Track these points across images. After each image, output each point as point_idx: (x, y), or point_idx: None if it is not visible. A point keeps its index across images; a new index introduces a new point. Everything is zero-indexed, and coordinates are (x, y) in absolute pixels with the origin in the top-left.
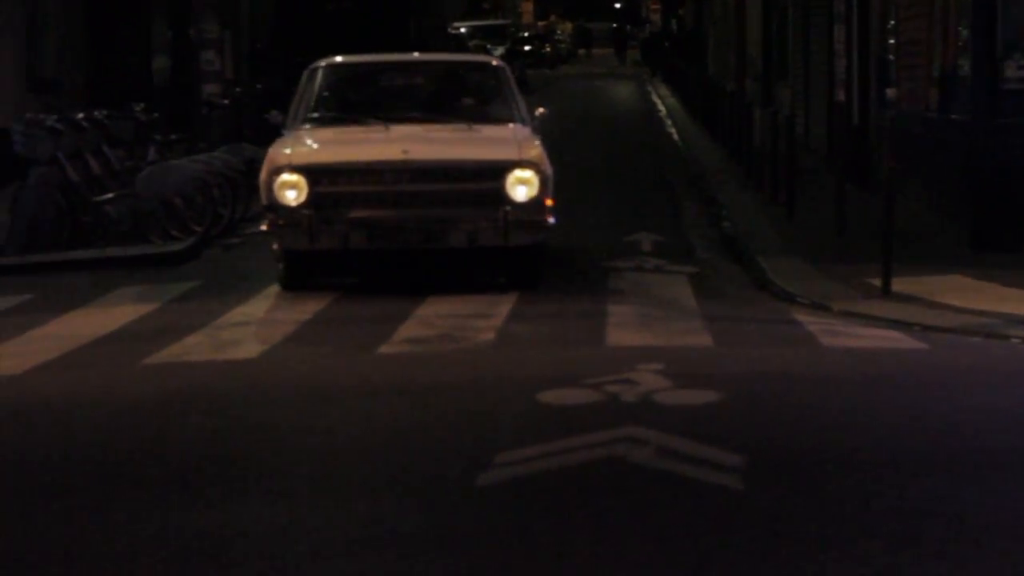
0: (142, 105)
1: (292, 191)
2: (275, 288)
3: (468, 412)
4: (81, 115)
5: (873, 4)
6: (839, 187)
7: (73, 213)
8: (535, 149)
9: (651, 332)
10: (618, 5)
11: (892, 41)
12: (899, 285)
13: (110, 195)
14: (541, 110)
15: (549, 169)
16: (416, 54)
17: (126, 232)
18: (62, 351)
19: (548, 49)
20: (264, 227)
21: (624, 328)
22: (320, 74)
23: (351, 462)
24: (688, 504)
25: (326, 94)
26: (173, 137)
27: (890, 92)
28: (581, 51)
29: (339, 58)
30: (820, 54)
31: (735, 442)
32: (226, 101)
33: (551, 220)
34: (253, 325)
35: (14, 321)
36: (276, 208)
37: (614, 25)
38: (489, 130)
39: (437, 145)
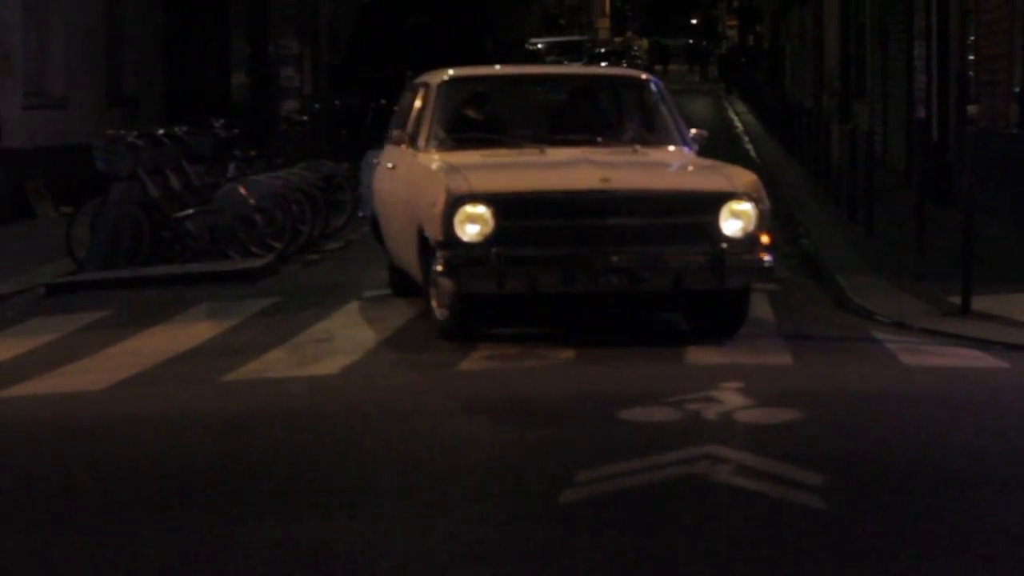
0: (222, 121)
1: (475, 225)
2: (354, 304)
3: (549, 429)
4: (161, 131)
5: (953, 20)
6: (919, 204)
7: (153, 229)
8: (748, 177)
9: (731, 350)
10: (694, 21)
11: (972, 57)
12: (979, 303)
13: (190, 211)
14: (696, 131)
15: (767, 201)
16: (554, 67)
17: (205, 248)
18: (142, 367)
19: (624, 65)
20: (439, 268)
21: (704, 346)
22: (444, 89)
23: (433, 478)
24: (769, 523)
25: (458, 111)
26: (252, 153)
27: (971, 109)
28: (657, 67)
29: (467, 70)
30: (898, 70)
31: (816, 461)
32: (305, 117)
33: (768, 259)
34: (333, 341)
35: (95, 337)
36: (453, 245)
37: (689, 41)
38: (660, 154)
39: (637, 172)
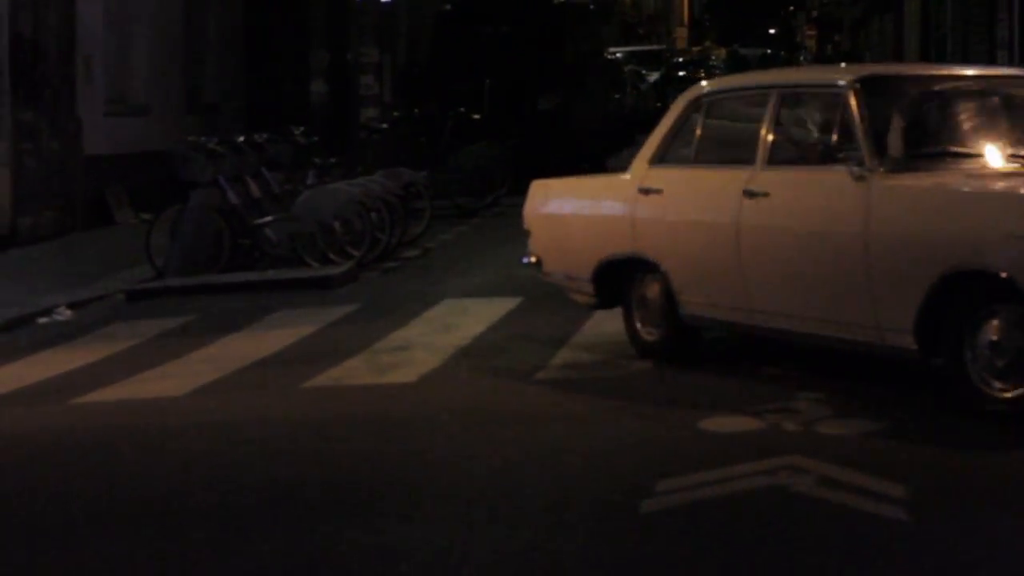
0: (301, 129)
1: None
2: (433, 312)
3: (628, 438)
4: (241, 138)
5: None
6: None
7: (233, 236)
8: None
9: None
10: (772, 31)
11: None
12: None
13: (269, 218)
14: None
15: None
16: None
17: (284, 255)
18: (222, 373)
19: (702, 75)
20: None
21: (779, 356)
22: (865, 94)
23: (512, 487)
24: (852, 534)
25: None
26: (332, 161)
27: None
28: None
29: (884, 69)
30: None
31: (899, 472)
32: (384, 125)
33: None
34: (412, 349)
35: (174, 343)
36: None
37: (767, 51)
38: None
39: None
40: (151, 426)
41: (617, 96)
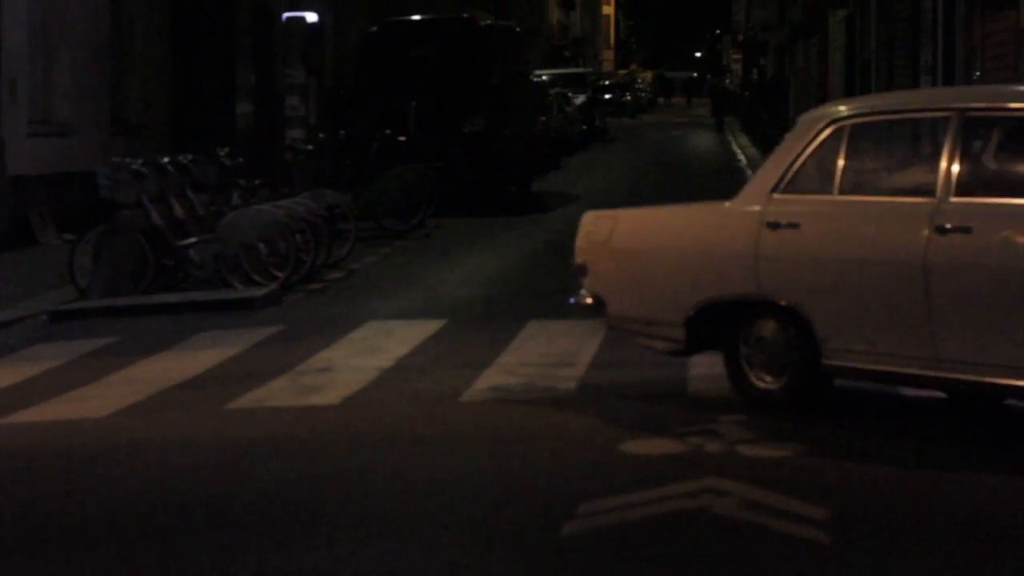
0: (226, 150)
1: None
2: (357, 334)
3: (551, 461)
4: (166, 159)
5: (959, 56)
6: None
7: (156, 257)
8: None
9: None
10: (698, 54)
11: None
12: None
13: (193, 239)
14: None
15: None
16: None
17: (208, 276)
18: (145, 394)
19: (629, 97)
20: None
21: (707, 379)
22: None
23: (435, 509)
24: (774, 557)
25: None
26: (256, 182)
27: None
28: (660, 100)
29: None
30: None
31: (820, 495)
32: (310, 147)
33: None
34: (335, 371)
35: (97, 364)
36: None
37: (693, 75)
38: None
39: None
40: (73, 447)
41: (543, 119)
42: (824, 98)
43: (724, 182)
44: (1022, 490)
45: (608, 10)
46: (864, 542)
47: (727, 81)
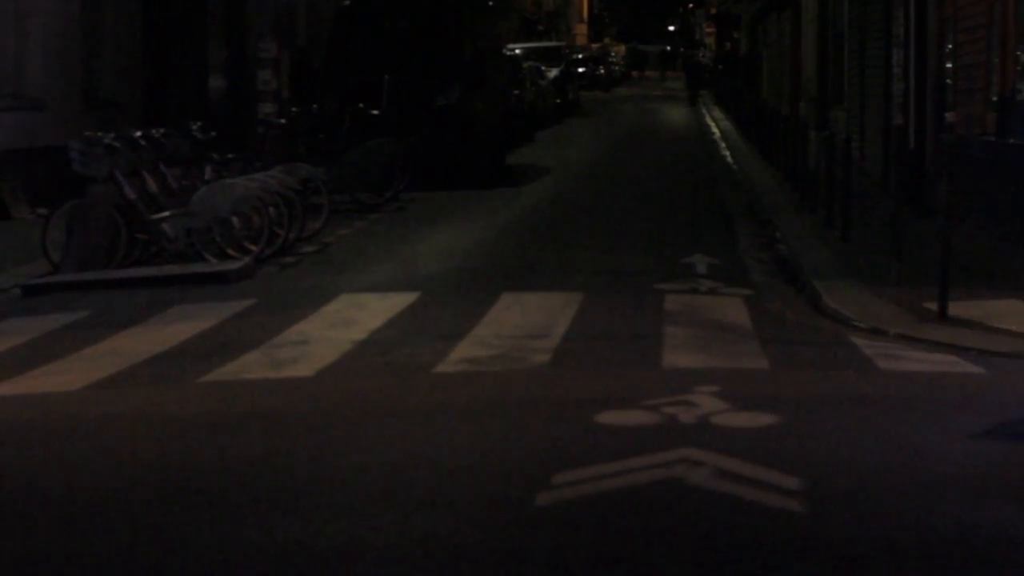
0: (199, 124)
1: None
2: (331, 307)
3: (526, 433)
4: (138, 133)
5: (931, 28)
6: (896, 210)
7: (129, 231)
8: None
9: (707, 354)
10: (672, 28)
11: (950, 65)
12: (956, 309)
13: (166, 213)
14: None
15: None
16: None
17: (181, 250)
18: (118, 368)
19: (602, 71)
20: None
21: (680, 350)
22: None
23: (409, 481)
24: (748, 526)
25: None
26: (229, 156)
27: (948, 116)
28: (634, 73)
29: None
30: (876, 77)
31: (794, 465)
32: (282, 121)
33: None
34: (309, 344)
35: (70, 338)
36: None
37: (667, 48)
38: None
39: None
40: (46, 421)
41: (516, 92)
42: (797, 71)
43: (697, 156)
44: (1001, 455)
45: None
46: (837, 512)
47: (701, 55)
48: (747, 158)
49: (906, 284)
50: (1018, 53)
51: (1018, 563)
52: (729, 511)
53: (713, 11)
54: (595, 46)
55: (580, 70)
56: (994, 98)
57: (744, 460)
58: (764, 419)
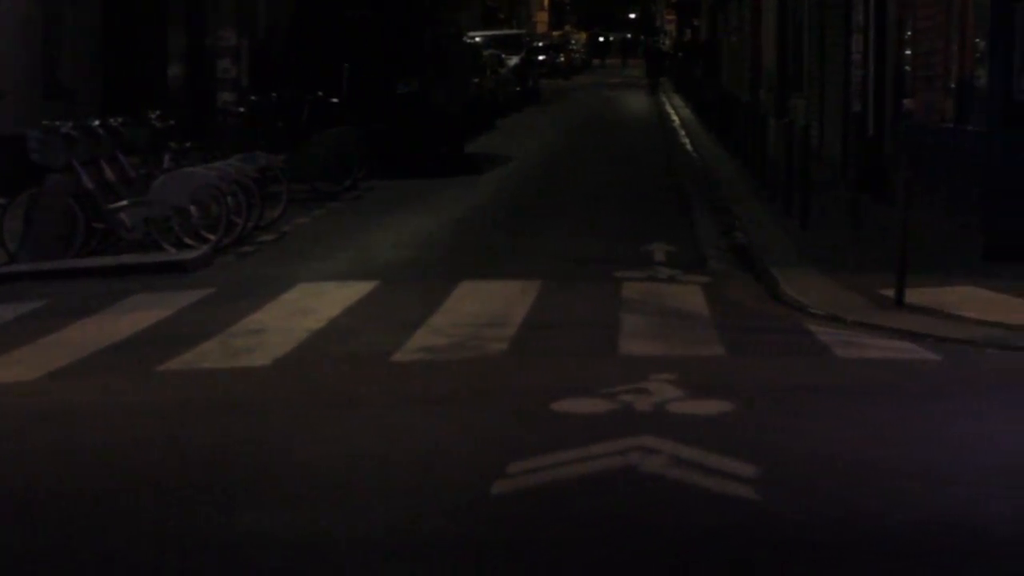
0: (158, 113)
1: None
2: (289, 295)
3: (482, 421)
4: (96, 122)
5: (891, 15)
6: (854, 198)
7: (87, 220)
8: None
9: (664, 342)
10: (632, 16)
11: (909, 52)
12: (913, 296)
13: (124, 202)
14: None
15: None
16: None
17: (140, 240)
18: (75, 357)
19: (563, 59)
20: None
21: (637, 338)
22: None
23: (366, 470)
24: (702, 514)
25: None
26: (188, 145)
27: (907, 103)
28: (595, 61)
29: None
30: (836, 65)
31: (749, 452)
32: (241, 109)
33: None
34: (266, 333)
35: (27, 327)
36: None
37: (628, 36)
38: None
39: None
40: (3, 410)
41: (477, 80)
42: (757, 59)
43: (657, 143)
44: (955, 442)
45: None
46: (791, 499)
47: (661, 42)
48: (707, 146)
49: (864, 271)
50: (977, 40)
51: (969, 548)
52: (684, 499)
53: None
54: (556, 34)
55: (540, 58)
56: (952, 85)
57: (699, 448)
58: (720, 407)
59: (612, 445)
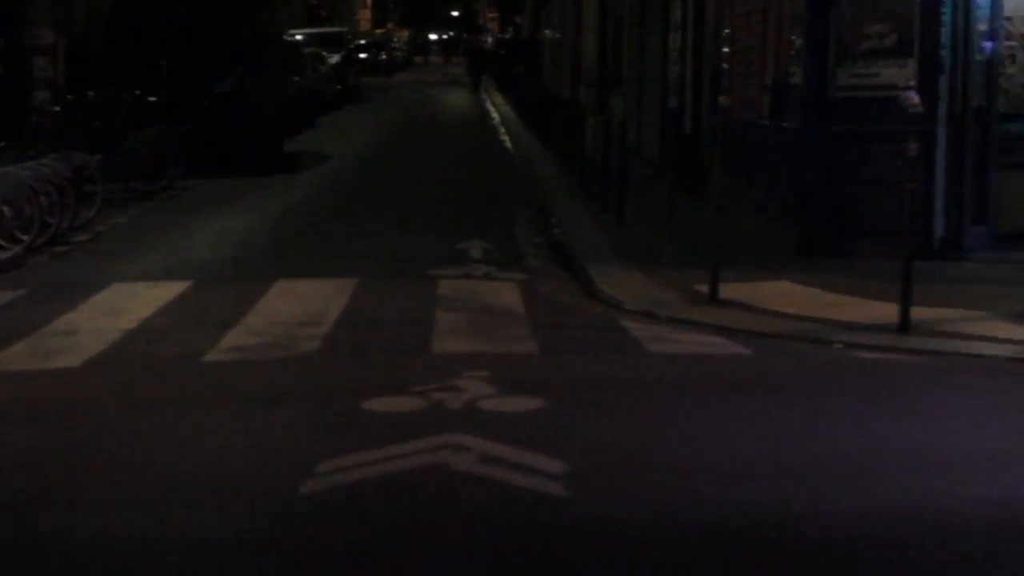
0: None
1: None
2: (101, 296)
3: (293, 421)
4: None
5: (709, 12)
6: (670, 193)
7: None
8: None
9: (478, 339)
10: (455, 13)
11: (727, 49)
12: (726, 291)
13: None
14: None
15: None
16: None
17: None
18: None
19: (385, 57)
20: None
21: (451, 335)
22: None
23: (176, 473)
24: (511, 510)
25: None
26: (1, 144)
27: (723, 99)
28: (418, 59)
29: None
30: (655, 62)
31: (558, 448)
32: (57, 108)
33: None
34: (78, 334)
35: None
36: None
37: (450, 34)
38: None
39: None
40: None
41: (296, 79)
42: (577, 56)
43: (477, 141)
44: (764, 436)
45: None
46: (601, 495)
47: (484, 40)
48: (526, 143)
49: (680, 267)
50: (792, 37)
51: (788, 542)
52: (493, 496)
53: None
54: (378, 32)
55: (362, 56)
56: (768, 82)
57: (510, 445)
58: (531, 403)
59: (423, 443)
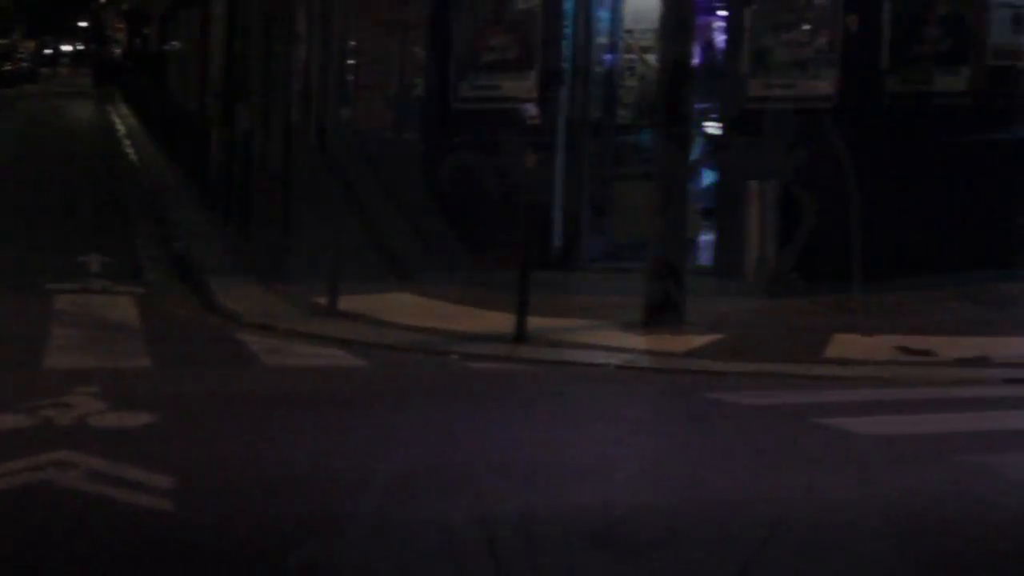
0: None
1: None
2: None
3: None
4: None
5: (335, 25)
6: (286, 205)
7: None
8: None
9: (91, 354)
10: (83, 24)
11: (352, 61)
12: (348, 303)
13: None
14: None
15: None
16: None
17: None
18: None
19: (10, 68)
20: None
21: (64, 351)
22: None
23: None
24: (117, 527)
25: None
26: None
27: (345, 112)
28: (45, 70)
29: None
30: (280, 74)
31: (167, 464)
32: None
33: None
34: None
35: None
36: None
37: (79, 45)
38: None
39: None
40: None
41: None
42: (204, 68)
43: (101, 153)
44: (369, 445)
45: None
46: (207, 509)
47: (112, 52)
48: (151, 155)
49: (302, 280)
50: (416, 49)
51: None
52: (99, 513)
53: (125, 7)
54: (3, 42)
55: None
56: (391, 94)
57: (118, 461)
58: (141, 419)
59: (30, 461)
